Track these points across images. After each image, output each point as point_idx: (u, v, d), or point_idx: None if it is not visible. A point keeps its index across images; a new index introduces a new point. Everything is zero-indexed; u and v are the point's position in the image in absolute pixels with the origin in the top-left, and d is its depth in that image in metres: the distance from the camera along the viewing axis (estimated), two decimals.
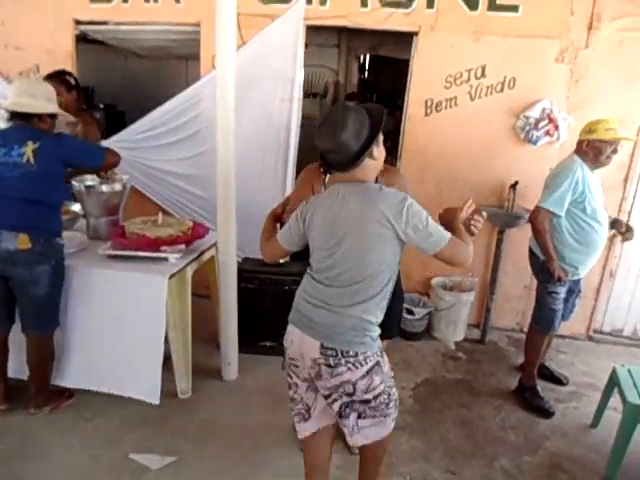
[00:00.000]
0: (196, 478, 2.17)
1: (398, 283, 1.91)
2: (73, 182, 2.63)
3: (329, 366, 1.54)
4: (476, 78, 3.35)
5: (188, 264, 2.54)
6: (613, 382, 2.57)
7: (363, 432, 1.60)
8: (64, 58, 3.65)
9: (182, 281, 2.51)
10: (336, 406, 1.61)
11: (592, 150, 2.62)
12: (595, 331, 3.75)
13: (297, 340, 1.62)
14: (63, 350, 2.47)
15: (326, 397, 1.63)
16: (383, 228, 1.48)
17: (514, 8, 3.19)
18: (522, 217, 3.27)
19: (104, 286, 2.40)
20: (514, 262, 3.52)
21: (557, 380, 3.10)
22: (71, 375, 2.49)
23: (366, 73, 6.48)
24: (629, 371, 2.54)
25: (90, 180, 2.69)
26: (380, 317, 1.60)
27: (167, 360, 2.51)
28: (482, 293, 3.60)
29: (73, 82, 3.11)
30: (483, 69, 3.32)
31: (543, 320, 2.82)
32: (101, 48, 4.65)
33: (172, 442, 2.34)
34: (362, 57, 6.08)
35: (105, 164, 2.42)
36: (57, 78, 2.97)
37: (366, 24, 3.32)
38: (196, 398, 2.66)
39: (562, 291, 2.76)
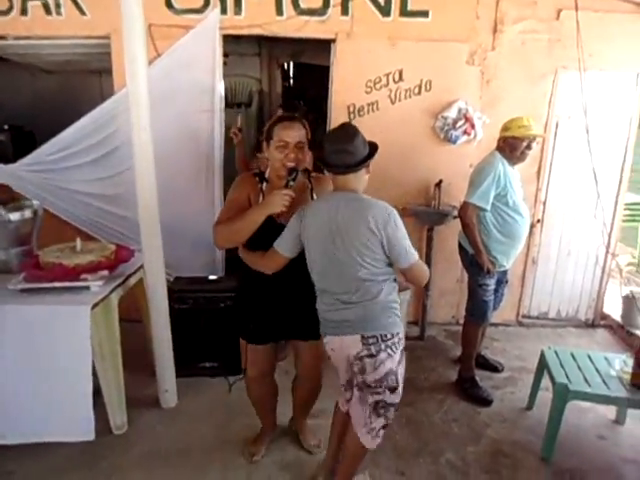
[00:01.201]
0: None
1: None
2: None
3: (371, 356, 1.72)
4: (395, 82, 3.43)
5: (113, 290, 2.38)
6: (542, 364, 2.71)
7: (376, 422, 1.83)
8: None
9: (107, 309, 2.35)
10: (371, 400, 1.78)
11: (507, 146, 2.76)
12: (524, 316, 3.96)
13: (338, 345, 1.80)
14: None
15: (368, 387, 1.77)
16: (371, 233, 1.68)
17: (424, 14, 3.31)
18: (449, 214, 3.38)
19: (18, 324, 2.17)
20: (445, 258, 3.64)
21: (493, 367, 3.23)
22: None
23: (291, 80, 6.47)
24: (556, 352, 2.69)
25: None
26: (397, 296, 1.80)
27: (97, 394, 2.34)
28: (418, 290, 3.68)
29: None
30: (400, 73, 3.42)
31: (476, 312, 2.93)
32: (4, 64, 4.30)
33: None
34: (285, 65, 6.07)
35: None
36: None
37: (282, 32, 3.30)
38: (133, 431, 2.50)
39: (492, 283, 2.88)
